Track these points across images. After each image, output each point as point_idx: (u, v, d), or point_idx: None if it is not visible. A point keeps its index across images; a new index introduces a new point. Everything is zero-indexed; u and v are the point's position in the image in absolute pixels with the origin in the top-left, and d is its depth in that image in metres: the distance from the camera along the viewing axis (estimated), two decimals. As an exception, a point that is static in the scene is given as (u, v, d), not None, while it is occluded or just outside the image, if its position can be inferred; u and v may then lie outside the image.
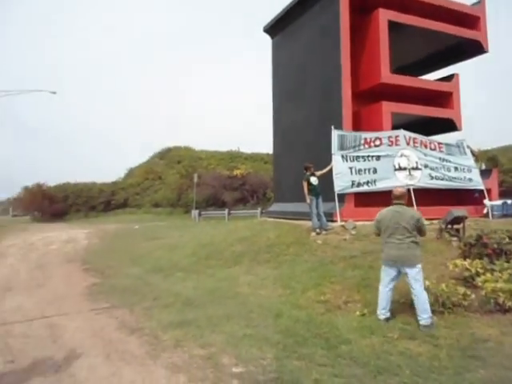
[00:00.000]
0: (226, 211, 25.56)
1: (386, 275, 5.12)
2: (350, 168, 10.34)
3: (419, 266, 4.95)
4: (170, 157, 43.49)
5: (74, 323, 5.71)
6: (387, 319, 5.01)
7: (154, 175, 41.72)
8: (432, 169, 11.02)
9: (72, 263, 11.34)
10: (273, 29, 14.88)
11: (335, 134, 10.34)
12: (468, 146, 12.06)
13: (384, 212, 5.28)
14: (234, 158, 41.23)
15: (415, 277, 4.89)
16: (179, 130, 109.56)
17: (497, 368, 3.71)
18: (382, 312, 5.06)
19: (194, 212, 26.55)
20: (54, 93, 31.02)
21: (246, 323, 5.15)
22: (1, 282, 9.07)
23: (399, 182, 10.37)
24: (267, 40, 15.56)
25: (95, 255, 12.82)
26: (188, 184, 33.24)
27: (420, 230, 5.03)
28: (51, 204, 36.01)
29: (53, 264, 11.06)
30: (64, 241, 16.57)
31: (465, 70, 13.58)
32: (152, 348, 4.57)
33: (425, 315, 4.77)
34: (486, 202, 11.16)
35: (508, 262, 5.93)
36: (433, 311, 5.00)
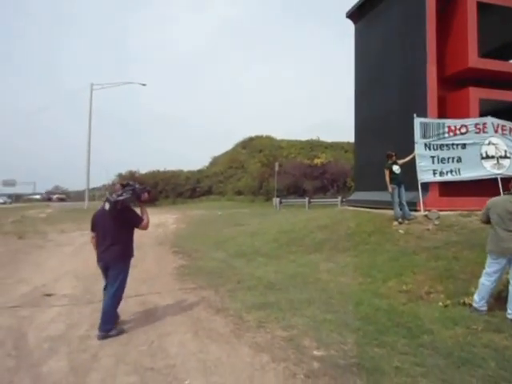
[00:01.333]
0: (307, 199, 25.55)
1: (492, 266, 4.90)
2: (432, 157, 9.89)
3: None
4: (251, 146, 44.29)
5: (165, 301, 6.09)
6: (482, 313, 4.83)
7: (237, 164, 42.88)
8: None
9: (162, 246, 12.17)
10: (356, 14, 14.49)
11: (417, 121, 9.92)
12: None
13: (496, 200, 5.07)
14: (314, 146, 40.93)
15: None
16: (261, 120, 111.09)
17: None
18: (481, 303, 4.89)
19: (275, 200, 26.89)
20: (144, 84, 33.06)
21: (326, 308, 5.25)
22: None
23: (486, 171, 9.78)
24: (351, 26, 15.20)
25: (183, 239, 13.57)
26: (269, 172, 33.71)
27: None
28: (143, 190, 38.54)
29: (146, 246, 11.92)
30: (155, 225, 17.70)
31: None
32: (236, 327, 4.78)
33: None
34: None
35: None
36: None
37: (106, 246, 4.80)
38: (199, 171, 45.49)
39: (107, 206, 4.72)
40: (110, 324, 4.74)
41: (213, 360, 3.90)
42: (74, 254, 10.94)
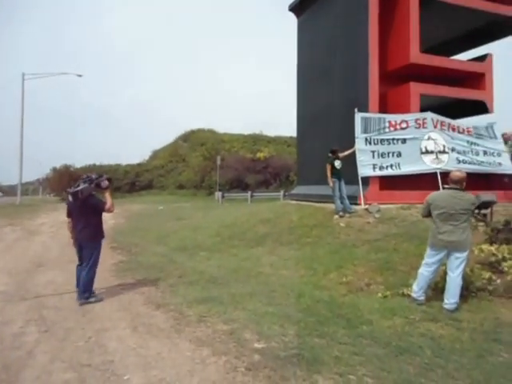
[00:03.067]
0: (249, 193, 25.65)
1: (431, 257, 5.03)
2: (373, 151, 10.19)
3: (467, 251, 4.86)
4: (193, 139, 43.77)
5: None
6: (420, 302, 4.99)
7: (178, 157, 42.21)
8: (459, 152, 10.76)
9: (99, 241, 11.65)
10: (298, 7, 14.62)
11: (358, 116, 10.19)
12: (507, 133, 11.70)
13: (437, 195, 5.17)
14: (257, 140, 41.21)
15: (461, 264, 4.81)
16: (203, 113, 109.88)
17: (520, 352, 3.68)
18: (419, 293, 5.03)
19: (218, 194, 26.77)
20: (80, 75, 31.39)
21: (268, 301, 5.24)
22: (34, 258, 9.44)
23: (425, 165, 10.22)
24: (294, 20, 15.30)
25: (122, 234, 13.13)
26: (211, 166, 33.49)
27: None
28: (78, 185, 36.92)
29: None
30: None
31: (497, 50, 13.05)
32: (177, 322, 4.70)
33: (452, 300, 4.76)
34: (516, 187, 10.86)
35: (536, 248, 5.81)
36: (456, 295, 5.01)
37: (79, 229, 5.69)
38: (139, 165, 44.15)
39: (70, 198, 5.68)
40: (87, 292, 5.67)
41: (153, 355, 3.84)
42: (6, 250, 10.44)
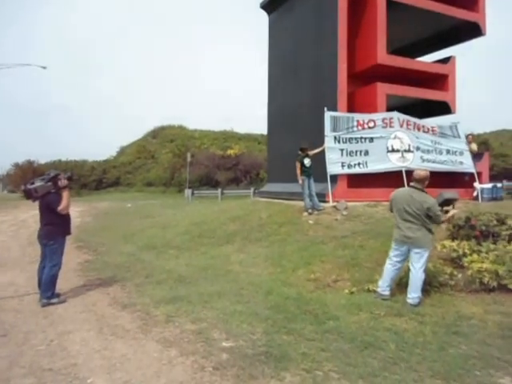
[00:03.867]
0: (219, 191, 25.56)
1: (394, 252, 5.17)
2: (341, 150, 10.35)
3: (427, 250, 4.98)
4: (162, 135, 43.22)
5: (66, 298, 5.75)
6: (385, 297, 5.09)
7: (147, 154, 41.61)
8: (424, 151, 11.06)
9: (64, 240, 11.32)
10: (269, 5, 14.63)
11: (328, 115, 10.31)
12: (470, 134, 12.10)
13: (398, 192, 5.33)
14: (227, 137, 41.14)
15: (420, 259, 4.94)
16: (173, 109, 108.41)
17: (479, 344, 3.82)
18: (384, 287, 5.13)
19: (187, 191, 26.53)
20: (44, 67, 30.36)
21: (236, 300, 5.24)
22: (-7, 257, 9.08)
23: (391, 164, 10.46)
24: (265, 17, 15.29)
25: (88, 233, 12.82)
26: (181, 163, 33.18)
27: (431, 219, 4.96)
28: (42, 181, 35.79)
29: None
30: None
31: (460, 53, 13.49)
32: (144, 323, 4.62)
33: (415, 294, 4.89)
34: (476, 185, 11.28)
35: (494, 243, 6.05)
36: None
37: (41, 226, 5.68)
38: (106, 161, 43.18)
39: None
40: (49, 291, 5.50)
41: (118, 357, 3.77)
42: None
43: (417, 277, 4.93)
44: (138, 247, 9.75)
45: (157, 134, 44.95)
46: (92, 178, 39.41)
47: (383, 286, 5.16)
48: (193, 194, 26.18)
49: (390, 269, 5.18)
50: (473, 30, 12.86)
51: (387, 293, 5.13)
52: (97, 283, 6.61)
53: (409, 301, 4.91)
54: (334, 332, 4.14)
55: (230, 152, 33.82)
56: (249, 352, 3.73)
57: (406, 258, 5.14)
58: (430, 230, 5.02)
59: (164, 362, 3.63)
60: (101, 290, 6.18)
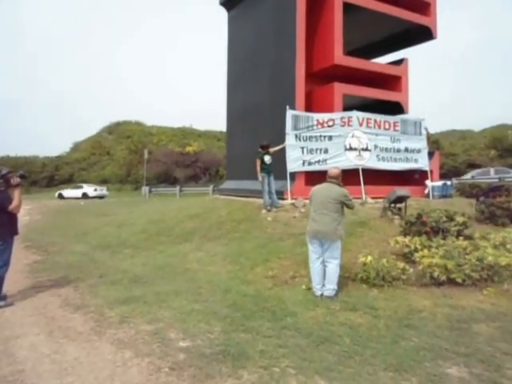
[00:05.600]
0: (178, 188, 25.23)
1: (313, 251, 5.25)
2: (302, 148, 10.50)
3: (339, 242, 5.11)
4: (119, 131, 42.14)
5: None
6: (317, 296, 5.11)
7: (102, 150, 40.47)
8: (381, 150, 11.37)
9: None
10: (229, 2, 14.56)
11: (289, 113, 10.41)
12: (426, 128, 12.48)
13: (316, 187, 5.46)
14: (186, 134, 40.73)
15: (333, 252, 5.06)
16: (130, 105, 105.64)
17: (429, 336, 3.97)
18: (317, 288, 5.17)
19: (144, 188, 26.02)
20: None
21: (194, 298, 5.18)
22: None
23: (349, 161, 10.71)
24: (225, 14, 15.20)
25: (37, 232, 12.29)
26: (138, 160, 32.52)
27: (347, 205, 5.25)
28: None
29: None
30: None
31: (414, 55, 13.98)
32: (97, 324, 4.48)
33: (330, 286, 5.04)
34: (428, 182, 11.75)
35: (444, 239, 6.33)
36: (374, 285, 5.30)
37: None
38: (58, 157, 41.64)
39: None
40: None
41: (70, 361, 3.62)
42: None
43: (332, 271, 5.06)
44: (92, 246, 9.45)
45: (113, 129, 43.82)
46: (43, 175, 37.88)
47: (317, 286, 5.19)
48: (150, 191, 25.70)
49: (313, 267, 5.24)
50: (425, 34, 13.39)
51: (318, 293, 5.13)
52: (47, 285, 6.34)
53: (324, 293, 5.03)
54: (292, 328, 4.18)
55: (188, 149, 33.46)
56: (206, 351, 3.69)
57: (323, 252, 5.18)
58: (340, 222, 5.14)
59: (118, 363, 3.53)
60: (52, 291, 5.93)
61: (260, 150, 9.70)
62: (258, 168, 9.55)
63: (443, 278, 5.36)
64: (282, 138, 10.31)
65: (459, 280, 5.31)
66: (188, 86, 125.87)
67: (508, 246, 6.31)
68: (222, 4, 14.96)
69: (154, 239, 9.37)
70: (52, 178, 38.37)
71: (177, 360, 3.55)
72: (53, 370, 3.46)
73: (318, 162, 10.60)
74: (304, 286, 5.51)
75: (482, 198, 9.13)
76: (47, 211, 17.94)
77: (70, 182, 38.23)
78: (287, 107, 10.38)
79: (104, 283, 6.19)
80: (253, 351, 3.66)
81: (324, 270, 5.18)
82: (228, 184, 14.46)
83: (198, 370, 3.35)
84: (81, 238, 10.70)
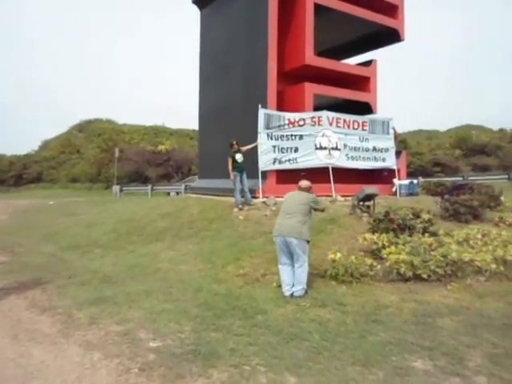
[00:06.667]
0: (149, 187, 24.93)
1: (280, 252, 5.32)
2: (274, 146, 10.57)
3: (305, 244, 5.19)
4: (89, 129, 41.21)
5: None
6: (287, 296, 5.13)
7: (72, 148, 39.51)
8: (351, 149, 11.58)
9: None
10: (201, 0, 14.46)
11: (262, 112, 10.45)
12: (393, 128, 12.76)
13: (287, 194, 5.67)
14: (158, 133, 40.25)
15: (300, 254, 5.12)
16: (101, 102, 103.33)
17: (395, 331, 4.08)
18: (287, 288, 5.20)
19: (115, 188, 25.58)
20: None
21: (165, 298, 5.16)
22: None
23: (319, 160, 10.87)
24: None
25: (3, 233, 11.93)
26: (109, 158, 31.92)
27: (316, 209, 5.48)
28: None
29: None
30: (-34, 217, 15.16)
31: (381, 56, 14.29)
32: (65, 326, 4.41)
33: (299, 287, 5.11)
34: (395, 181, 12.05)
35: (410, 236, 6.52)
36: (342, 281, 5.42)
37: None
38: (26, 156, 40.36)
39: None
40: None
41: (36, 364, 3.56)
42: None
43: (301, 271, 5.13)
44: (61, 247, 9.24)
45: (83, 127, 42.82)
46: (10, 174, 36.67)
47: (286, 286, 5.22)
48: (121, 190, 25.31)
49: (282, 268, 5.31)
50: (393, 36, 13.69)
51: (288, 293, 5.17)
52: (13, 286, 6.17)
53: (294, 293, 5.10)
54: (262, 326, 4.22)
55: (160, 147, 33.10)
56: (176, 351, 3.69)
57: (292, 255, 5.23)
58: (306, 223, 5.25)
59: (87, 366, 3.49)
60: (18, 293, 5.79)
61: (230, 148, 9.73)
62: (230, 167, 9.57)
63: (409, 273, 5.53)
64: (254, 137, 10.34)
65: (425, 276, 5.48)
66: (160, 84, 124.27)
67: (471, 242, 6.58)
68: (195, 2, 14.86)
69: (125, 239, 9.25)
70: (20, 177, 37.21)
71: (147, 360, 3.54)
72: (18, 374, 3.39)
73: (289, 160, 10.70)
74: (275, 284, 5.57)
75: (446, 196, 9.44)
76: (14, 211, 17.40)
77: (39, 181, 37.19)
78: (259, 106, 10.43)
79: (73, 284, 6.09)
80: (223, 350, 3.69)
81: (293, 271, 5.24)
82: (200, 183, 14.41)
83: (168, 370, 3.35)
84: (49, 239, 10.45)
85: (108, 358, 3.61)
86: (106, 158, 32.86)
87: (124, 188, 26.07)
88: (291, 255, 5.23)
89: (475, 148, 34.04)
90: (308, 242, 5.27)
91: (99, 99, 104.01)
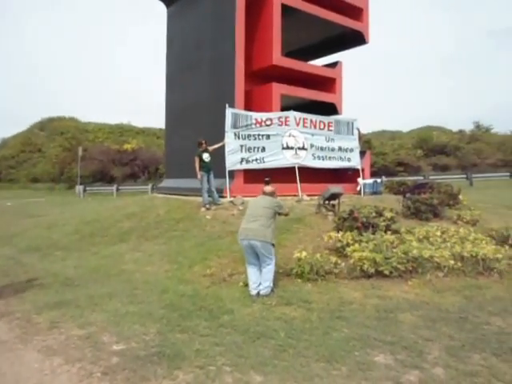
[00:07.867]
0: (115, 187, 24.43)
1: (247, 254, 5.34)
2: (241, 146, 10.57)
3: (271, 245, 5.24)
4: (51, 128, 39.88)
5: None
6: (253, 296, 5.15)
7: (33, 147, 38.10)
8: (317, 149, 11.75)
9: None
10: (168, -3, 14.25)
11: (229, 112, 10.41)
12: (358, 128, 13.01)
13: (252, 199, 5.79)
14: (124, 131, 39.47)
15: (265, 254, 5.16)
16: (63, 100, 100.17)
17: (358, 327, 4.18)
18: (254, 287, 5.23)
19: (79, 188, 24.91)
20: None
21: (129, 300, 5.07)
22: None
23: (286, 160, 10.97)
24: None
25: (-44, 236, 11.33)
26: (72, 158, 31.02)
27: (280, 213, 5.57)
28: None
29: None
30: None
31: (348, 58, 14.53)
32: (23, 332, 4.26)
33: (266, 284, 5.17)
34: (360, 180, 12.31)
35: (374, 233, 6.68)
36: (308, 279, 5.49)
37: None
38: (-17, 155, 38.57)
39: None
40: None
41: (-10, 372, 3.39)
42: None
43: (268, 271, 5.19)
44: (19, 249, 8.90)
45: (45, 125, 41.36)
46: (-36, 174, 34.94)
47: (253, 285, 5.25)
48: (85, 190, 24.70)
49: (249, 269, 5.35)
50: (358, 38, 13.95)
51: (254, 292, 5.20)
52: (-33, 292, 5.88)
53: (261, 292, 5.15)
54: (228, 326, 4.22)
55: (126, 146, 32.44)
56: (141, 353, 3.64)
57: (258, 256, 5.27)
58: (271, 227, 5.30)
59: (46, 372, 3.39)
60: (-28, 299, 5.52)
61: (198, 147, 9.66)
62: (197, 166, 9.50)
63: (372, 270, 5.66)
64: (221, 136, 10.30)
65: (387, 272, 5.62)
66: (126, 82, 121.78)
67: (431, 240, 6.81)
68: (161, -1, 14.62)
69: (88, 240, 9.00)
70: (-25, 177, 35.59)
71: (110, 364, 3.47)
72: (-28, 383, 3.25)
73: (256, 160, 10.73)
74: (241, 283, 5.58)
75: (408, 195, 9.73)
76: (-32, 213, 16.60)
77: (-4, 180, 35.66)
78: (227, 105, 10.40)
79: (32, 288, 5.89)
80: (189, 351, 3.66)
81: (260, 270, 5.28)
82: (167, 182, 14.20)
83: (132, 373, 3.30)
84: (7, 241, 10.04)
85: (69, 363, 3.52)
86: (69, 158, 31.92)
87: (88, 188, 25.44)
88: (258, 256, 5.26)
89: (435, 148, 35.26)
90: (273, 245, 5.31)
91: (61, 97, 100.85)
